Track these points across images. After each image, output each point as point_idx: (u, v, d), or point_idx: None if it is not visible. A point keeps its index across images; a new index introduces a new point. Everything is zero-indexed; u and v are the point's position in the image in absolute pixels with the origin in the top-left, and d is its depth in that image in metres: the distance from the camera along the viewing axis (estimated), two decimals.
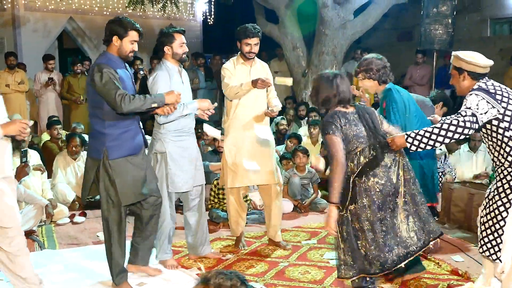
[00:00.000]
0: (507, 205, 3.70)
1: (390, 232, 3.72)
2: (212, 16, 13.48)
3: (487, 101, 3.63)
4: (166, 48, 4.72)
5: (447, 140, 3.63)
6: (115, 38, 4.12)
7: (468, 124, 3.57)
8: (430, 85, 10.14)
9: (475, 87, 3.74)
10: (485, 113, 3.62)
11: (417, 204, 3.80)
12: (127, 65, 4.34)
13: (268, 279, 4.69)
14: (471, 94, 3.70)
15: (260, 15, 11.67)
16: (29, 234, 5.65)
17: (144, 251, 4.62)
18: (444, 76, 12.82)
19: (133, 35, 4.16)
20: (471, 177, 6.81)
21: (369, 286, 3.92)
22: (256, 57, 5.26)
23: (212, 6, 13.41)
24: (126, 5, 10.46)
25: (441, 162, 6.77)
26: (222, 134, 5.28)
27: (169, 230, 4.86)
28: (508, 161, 3.67)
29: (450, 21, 8.78)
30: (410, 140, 3.69)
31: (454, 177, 6.70)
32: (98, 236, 5.81)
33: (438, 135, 3.62)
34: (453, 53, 3.92)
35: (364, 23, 10.68)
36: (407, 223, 3.76)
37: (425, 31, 8.82)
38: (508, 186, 3.69)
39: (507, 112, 3.65)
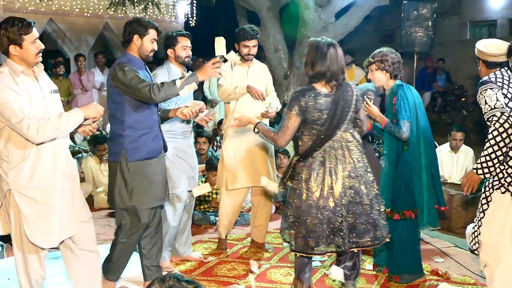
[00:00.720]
0: (489, 198, 3.75)
1: (304, 223, 3.82)
2: (194, 18, 13.45)
3: (501, 92, 3.62)
4: (169, 51, 4.69)
5: (504, 149, 3.54)
6: (135, 37, 4.07)
7: (506, 125, 3.53)
8: None
9: (485, 78, 3.70)
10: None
11: (353, 213, 3.84)
12: (147, 67, 4.28)
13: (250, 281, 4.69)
14: (486, 90, 3.65)
15: (242, 17, 11.67)
16: (10, 238, 5.56)
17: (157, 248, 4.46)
18: (424, 78, 12.98)
19: (153, 33, 4.12)
20: (451, 178, 6.86)
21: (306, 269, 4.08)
22: (254, 58, 5.24)
23: (194, 8, 13.38)
24: (107, 6, 10.41)
25: None
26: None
27: (168, 232, 4.78)
28: (509, 155, 3.67)
29: (430, 24, 8.84)
30: (480, 172, 3.65)
31: None
32: None
33: (494, 152, 3.56)
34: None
35: (345, 26, 10.72)
36: (334, 224, 3.81)
37: (406, 33, 8.87)
38: (492, 181, 3.72)
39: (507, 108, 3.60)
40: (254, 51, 5.12)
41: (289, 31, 11.14)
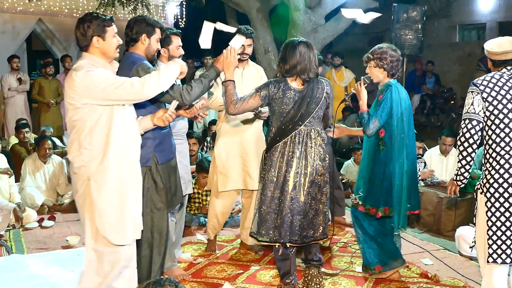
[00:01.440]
0: (476, 199, 3.80)
1: (259, 210, 4.13)
2: (184, 19, 13.42)
3: (481, 96, 3.61)
4: (162, 50, 4.56)
5: (468, 159, 3.66)
6: (143, 36, 4.01)
7: (467, 135, 3.59)
8: None
9: (474, 80, 3.69)
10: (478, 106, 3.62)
11: (305, 205, 4.05)
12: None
13: (240, 283, 4.67)
14: (468, 92, 3.67)
15: (231, 18, 11.66)
16: None
17: None
18: (414, 81, 13.03)
19: (158, 32, 4.08)
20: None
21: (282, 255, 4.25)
22: (249, 60, 5.21)
23: (184, 9, 13.36)
24: (97, 7, 10.36)
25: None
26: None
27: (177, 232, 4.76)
28: (486, 157, 3.69)
29: (419, 26, 8.89)
30: (455, 177, 3.79)
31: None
32: (67, 240, 5.71)
33: (462, 159, 3.67)
34: None
35: (335, 28, 10.73)
36: (288, 216, 4.03)
37: (395, 36, 8.91)
38: (480, 179, 3.77)
39: (487, 113, 3.60)
40: (249, 50, 5.08)
41: (279, 33, 11.13)
